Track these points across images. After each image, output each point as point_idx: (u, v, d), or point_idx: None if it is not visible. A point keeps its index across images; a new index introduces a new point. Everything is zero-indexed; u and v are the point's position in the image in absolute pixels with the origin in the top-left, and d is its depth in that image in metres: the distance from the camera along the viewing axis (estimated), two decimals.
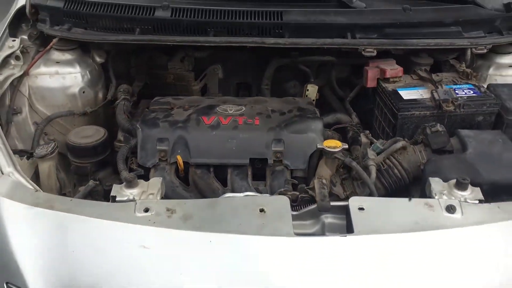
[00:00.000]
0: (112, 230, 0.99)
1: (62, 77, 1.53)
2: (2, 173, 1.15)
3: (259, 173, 1.31)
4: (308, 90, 1.61)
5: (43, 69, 1.53)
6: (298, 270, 0.92)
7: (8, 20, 1.57)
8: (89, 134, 1.42)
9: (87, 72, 1.57)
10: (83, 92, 1.56)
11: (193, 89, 1.76)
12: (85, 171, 1.39)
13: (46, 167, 1.27)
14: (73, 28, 1.55)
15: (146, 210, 1.01)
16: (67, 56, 1.56)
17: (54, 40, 1.53)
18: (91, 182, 1.24)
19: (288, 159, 1.29)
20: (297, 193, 1.14)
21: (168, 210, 1.01)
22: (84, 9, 1.53)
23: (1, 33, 1.52)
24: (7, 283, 0.98)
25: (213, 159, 1.30)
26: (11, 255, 0.99)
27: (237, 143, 1.30)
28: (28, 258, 0.98)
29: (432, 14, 1.50)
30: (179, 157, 1.28)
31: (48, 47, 1.52)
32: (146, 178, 1.21)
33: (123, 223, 0.99)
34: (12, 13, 1.59)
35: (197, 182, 1.28)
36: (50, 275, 0.96)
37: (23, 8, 1.60)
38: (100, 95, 1.62)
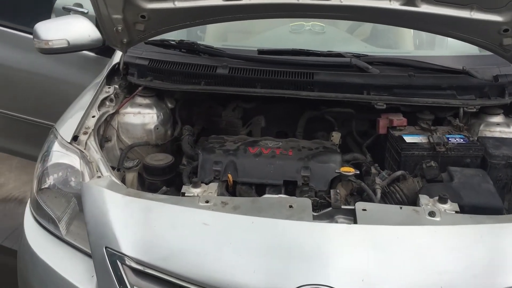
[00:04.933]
0: (183, 213, 1.38)
1: (142, 116, 2.00)
2: (102, 175, 1.58)
3: (290, 193, 1.69)
4: (333, 136, 2.00)
5: (129, 109, 2.00)
6: (315, 246, 1.27)
7: (106, 73, 2.07)
8: (160, 159, 1.86)
9: (161, 113, 2.04)
10: (157, 128, 2.01)
11: (240, 134, 2.19)
12: (156, 187, 1.80)
13: (131, 177, 1.70)
14: (154, 80, 2.03)
15: (207, 202, 1.40)
16: (147, 101, 2.04)
17: (139, 88, 2.02)
18: (164, 188, 1.65)
19: (314, 182, 1.67)
20: (317, 199, 1.51)
21: (222, 202, 1.40)
22: (163, 66, 2.03)
23: (101, 82, 2.02)
24: (106, 247, 1.37)
25: (255, 179, 1.70)
26: (110, 227, 1.38)
27: (274, 168, 1.70)
28: (122, 230, 1.37)
29: (431, 80, 1.90)
30: (229, 176, 1.69)
31: (135, 93, 2.01)
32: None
33: (190, 208, 1.38)
34: (109, 68, 2.09)
35: (242, 195, 1.67)
36: (138, 242, 1.34)
37: (116, 64, 2.11)
38: (169, 132, 2.07)
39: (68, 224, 1.57)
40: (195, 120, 2.21)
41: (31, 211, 1.67)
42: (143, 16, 1.87)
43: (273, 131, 2.23)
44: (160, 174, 1.81)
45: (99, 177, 1.57)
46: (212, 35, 2.55)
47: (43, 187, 1.66)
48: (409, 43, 2.68)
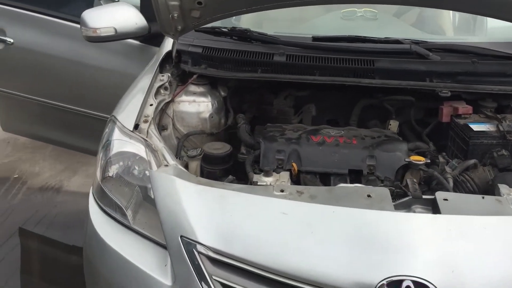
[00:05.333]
0: (259, 202, 1.36)
1: (197, 105, 1.98)
2: (169, 164, 1.57)
3: (354, 182, 1.66)
4: (390, 124, 1.97)
5: (184, 97, 1.98)
6: (400, 236, 1.24)
7: (159, 61, 2.05)
8: (218, 147, 1.83)
9: (215, 102, 2.01)
10: (212, 117, 1.99)
11: (291, 123, 2.16)
12: (214, 176, 1.78)
13: (194, 165, 1.69)
14: (208, 68, 2.01)
15: (282, 191, 1.38)
16: (201, 89, 2.01)
17: (194, 76, 1.99)
18: (230, 177, 1.63)
19: (379, 171, 1.64)
20: (393, 188, 1.48)
21: (298, 191, 1.38)
22: (217, 54, 2.00)
23: (155, 70, 2.00)
24: (181, 236, 1.35)
25: (319, 167, 1.67)
26: (185, 216, 1.37)
27: (339, 156, 1.67)
28: (197, 219, 1.36)
29: (496, 66, 1.85)
30: (294, 164, 1.66)
31: (190, 81, 1.98)
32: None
33: (267, 197, 1.36)
34: (162, 56, 2.07)
35: (307, 184, 1.64)
36: (215, 231, 1.33)
37: (168, 52, 2.08)
38: (222, 121, 2.05)
39: (134, 212, 1.56)
40: (245, 108, 2.18)
41: (95, 200, 1.66)
42: (199, 3, 1.84)
43: (324, 119, 2.19)
44: (219, 163, 1.79)
45: (166, 165, 1.55)
46: (247, 22, 2.50)
47: (106, 176, 1.65)
48: (450, 28, 2.64)
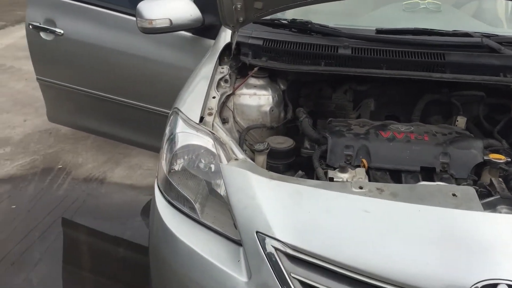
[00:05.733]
0: (338, 199, 1.32)
1: (258, 98, 1.94)
2: (238, 158, 1.54)
3: (426, 179, 1.60)
4: (457, 121, 1.90)
5: (244, 90, 1.95)
6: (494, 238, 1.18)
7: (218, 53, 2.01)
8: (281, 142, 1.80)
9: (276, 95, 1.97)
10: (272, 110, 1.95)
11: (349, 117, 2.11)
12: (277, 170, 1.74)
13: (261, 159, 1.65)
14: (268, 60, 1.97)
15: (360, 188, 1.34)
16: (261, 82, 1.98)
17: (255, 69, 1.95)
18: (300, 172, 1.59)
19: (453, 170, 1.58)
20: (477, 187, 1.42)
21: (378, 189, 1.33)
22: (278, 46, 1.96)
23: (214, 62, 1.97)
24: (257, 232, 1.32)
25: (390, 164, 1.62)
26: (260, 211, 1.34)
27: (410, 153, 1.62)
28: (274, 215, 1.32)
29: None
30: (364, 160, 1.61)
31: (251, 73, 1.95)
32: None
33: (347, 194, 1.31)
34: (221, 48, 2.04)
35: (378, 181, 1.59)
36: (293, 228, 1.29)
37: (227, 44, 2.05)
38: (282, 114, 2.01)
39: (202, 206, 1.54)
40: (302, 102, 2.14)
41: (161, 192, 1.64)
42: None
43: (382, 115, 2.14)
44: (283, 158, 1.76)
45: (236, 159, 1.52)
46: (293, 14, 2.43)
47: (172, 169, 1.63)
48: (505, 20, 2.55)
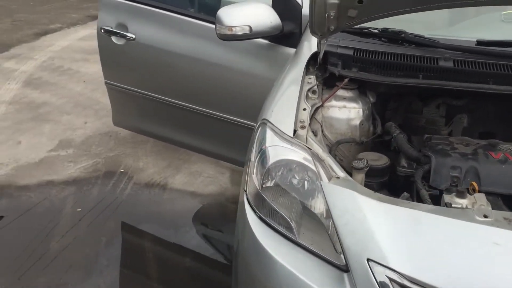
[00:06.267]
0: (462, 227, 1.20)
1: (348, 110, 1.84)
2: (339, 176, 1.44)
3: None
4: None
5: (334, 102, 1.85)
6: None
7: (305, 62, 1.93)
8: (376, 159, 1.69)
9: (366, 108, 1.87)
10: (362, 124, 1.85)
11: (441, 134, 1.98)
12: (371, 189, 1.64)
13: (360, 178, 1.55)
14: (359, 71, 1.87)
15: (485, 216, 1.22)
16: (350, 93, 1.88)
17: (346, 80, 1.86)
18: (405, 194, 1.48)
19: None
20: None
21: (505, 218, 1.21)
22: (371, 56, 1.86)
23: (302, 72, 1.88)
24: (368, 259, 1.22)
25: (503, 189, 1.49)
26: (372, 237, 1.24)
27: None
28: (388, 242, 1.22)
29: None
30: (474, 183, 1.49)
31: (341, 84, 1.85)
32: (436, 199, 1.45)
33: (470, 223, 1.20)
34: (308, 57, 1.95)
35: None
36: (411, 258, 1.19)
37: (314, 53, 1.96)
38: (371, 129, 1.90)
39: (298, 225, 1.45)
40: (390, 116, 2.03)
41: (252, 208, 1.56)
42: (360, 1, 1.71)
43: (476, 131, 2.00)
44: (377, 176, 1.65)
45: (338, 178, 1.43)
46: (380, 22, 2.31)
47: (265, 184, 1.55)
48: None
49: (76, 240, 2.71)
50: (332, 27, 1.80)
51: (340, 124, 1.83)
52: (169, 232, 2.84)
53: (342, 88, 1.88)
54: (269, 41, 2.43)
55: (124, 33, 2.82)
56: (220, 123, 2.68)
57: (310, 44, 2.06)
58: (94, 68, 5.41)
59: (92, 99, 4.65)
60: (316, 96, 1.84)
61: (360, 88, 1.91)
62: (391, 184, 1.69)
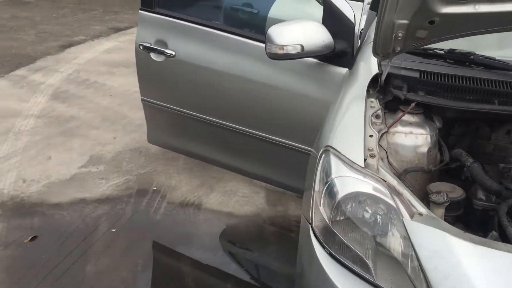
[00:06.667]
0: None
1: (415, 137, 1.73)
2: (420, 212, 1.34)
3: None
4: None
5: (399, 128, 1.75)
6: None
7: (366, 85, 1.83)
8: (449, 190, 1.58)
9: (434, 134, 1.76)
10: (430, 151, 1.74)
11: (510, 162, 1.86)
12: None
13: (440, 213, 1.44)
14: (426, 95, 1.76)
15: None
16: (415, 118, 1.77)
17: (412, 104, 1.75)
18: (494, 233, 1.37)
19: None
20: None
21: None
22: (439, 79, 1.75)
23: (363, 95, 1.78)
24: None
25: None
26: (469, 284, 1.13)
27: None
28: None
29: None
30: None
31: (408, 109, 1.74)
32: None
33: None
34: (369, 79, 1.85)
35: None
36: None
37: (375, 75, 1.86)
38: (438, 156, 1.79)
39: (374, 265, 1.34)
40: (454, 141, 1.91)
41: (321, 243, 1.45)
42: (431, 22, 1.61)
43: None
44: (453, 209, 1.54)
45: (420, 214, 1.32)
46: (450, 42, 2.22)
47: (335, 218, 1.44)
48: None
49: (112, 263, 2.62)
50: (398, 48, 1.70)
51: (406, 151, 1.72)
52: (208, 255, 2.74)
53: (408, 112, 1.78)
54: (319, 60, 2.34)
55: (164, 49, 2.75)
56: (265, 143, 2.59)
57: (367, 65, 1.96)
58: (120, 81, 5.39)
59: (119, 113, 4.59)
60: (379, 121, 1.74)
61: (425, 113, 1.81)
62: (465, 217, 1.57)
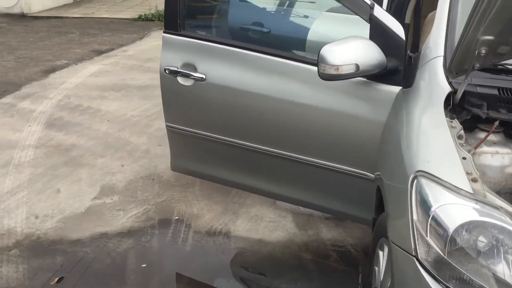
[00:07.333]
0: None
1: (501, 157, 1.67)
2: None
3: None
4: None
5: (485, 148, 1.68)
6: None
7: (442, 104, 1.76)
8: None
9: None
10: None
11: None
12: None
13: None
14: (508, 113, 1.71)
15: None
16: (498, 137, 1.72)
17: (496, 123, 1.69)
18: None
19: None
20: None
21: None
22: None
23: (441, 115, 1.71)
24: None
25: None
26: None
27: None
28: None
29: None
30: None
31: (493, 128, 1.68)
32: None
33: None
34: (443, 97, 1.78)
35: None
36: None
37: (449, 94, 1.80)
38: None
39: None
40: None
41: (433, 276, 1.35)
42: None
43: None
44: None
45: None
46: None
47: (449, 250, 1.35)
48: None
49: None
50: (478, 65, 1.65)
51: (493, 172, 1.66)
52: None
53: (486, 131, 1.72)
54: (367, 78, 2.26)
55: (192, 73, 2.62)
56: (309, 167, 2.48)
57: (431, 83, 1.90)
58: (114, 106, 5.19)
59: (121, 139, 4.40)
60: (462, 141, 1.67)
61: (505, 131, 1.75)
62: None
